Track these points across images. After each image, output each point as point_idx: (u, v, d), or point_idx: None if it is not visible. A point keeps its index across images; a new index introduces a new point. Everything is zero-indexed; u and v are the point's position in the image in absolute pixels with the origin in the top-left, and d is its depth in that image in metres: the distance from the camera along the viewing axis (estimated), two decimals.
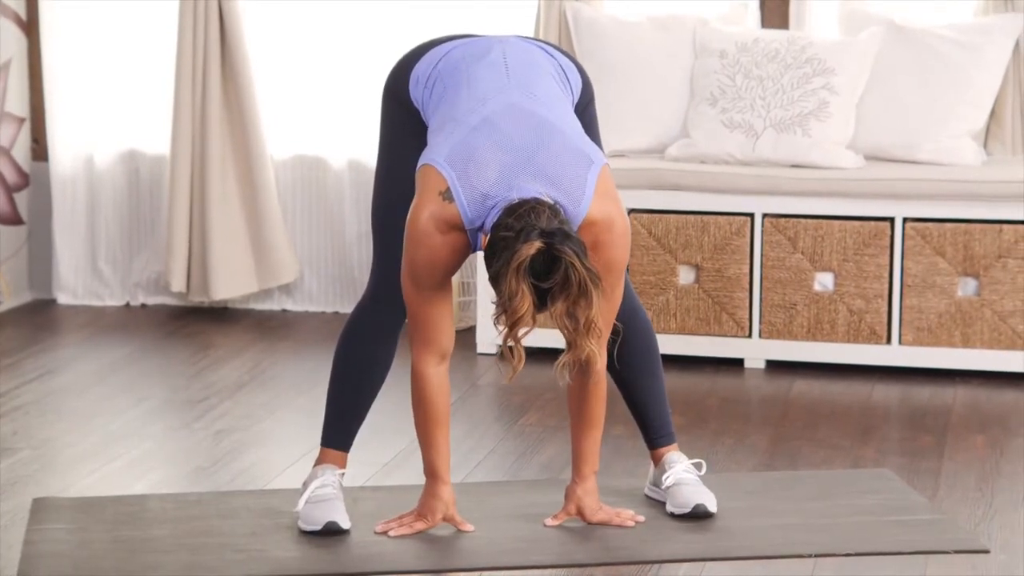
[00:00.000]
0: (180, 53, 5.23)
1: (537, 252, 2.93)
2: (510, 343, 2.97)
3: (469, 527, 3.28)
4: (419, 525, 3.26)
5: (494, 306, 2.98)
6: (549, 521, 3.31)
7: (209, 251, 5.27)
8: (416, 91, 3.24)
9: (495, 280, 2.98)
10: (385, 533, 3.26)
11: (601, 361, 3.18)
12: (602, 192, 3.09)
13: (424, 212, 3.06)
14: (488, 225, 3.05)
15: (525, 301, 2.93)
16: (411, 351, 3.19)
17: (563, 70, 3.27)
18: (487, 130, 3.08)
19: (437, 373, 3.19)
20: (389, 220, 3.28)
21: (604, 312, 3.03)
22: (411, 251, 3.10)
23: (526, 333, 2.98)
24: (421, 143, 3.22)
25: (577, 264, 2.94)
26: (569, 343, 3.00)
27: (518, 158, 3.06)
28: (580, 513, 3.31)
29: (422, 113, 3.24)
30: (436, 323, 3.15)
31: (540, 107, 3.13)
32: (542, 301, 2.97)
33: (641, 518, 3.33)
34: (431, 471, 3.25)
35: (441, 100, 3.18)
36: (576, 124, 3.19)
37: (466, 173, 3.05)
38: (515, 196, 3.02)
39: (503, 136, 3.07)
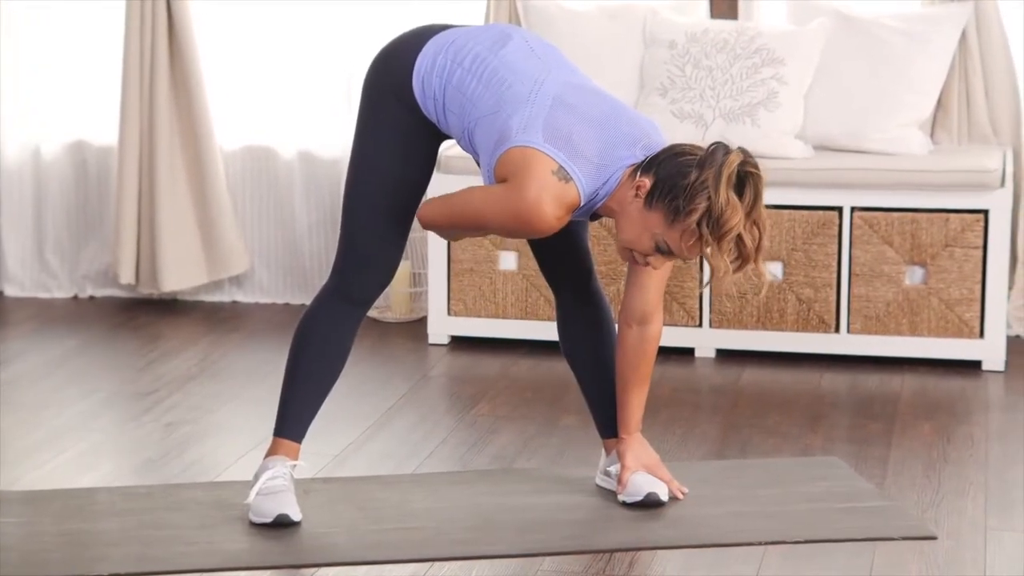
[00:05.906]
0: (127, 43, 5.19)
1: (740, 164, 2.98)
2: (717, 259, 3.03)
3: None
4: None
5: (695, 217, 2.97)
6: (620, 488, 3.38)
7: (158, 242, 5.24)
8: (427, 82, 3.17)
9: (691, 195, 2.97)
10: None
11: (660, 321, 3.34)
12: None
13: (544, 194, 3.02)
14: (604, 193, 3.08)
15: (737, 212, 2.98)
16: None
17: None
18: (563, 108, 3.08)
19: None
20: (362, 213, 3.25)
21: None
22: (511, 225, 3.05)
23: (731, 241, 3.01)
24: (407, 137, 3.20)
25: (761, 175, 3.00)
26: (745, 257, 3.07)
27: (603, 130, 3.08)
28: (646, 468, 3.40)
29: (430, 104, 3.18)
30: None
31: (587, 81, 3.19)
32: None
33: (686, 489, 3.45)
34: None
35: (476, 87, 3.13)
36: None
37: (572, 149, 3.05)
38: (632, 159, 3.07)
39: (579, 112, 3.09)
